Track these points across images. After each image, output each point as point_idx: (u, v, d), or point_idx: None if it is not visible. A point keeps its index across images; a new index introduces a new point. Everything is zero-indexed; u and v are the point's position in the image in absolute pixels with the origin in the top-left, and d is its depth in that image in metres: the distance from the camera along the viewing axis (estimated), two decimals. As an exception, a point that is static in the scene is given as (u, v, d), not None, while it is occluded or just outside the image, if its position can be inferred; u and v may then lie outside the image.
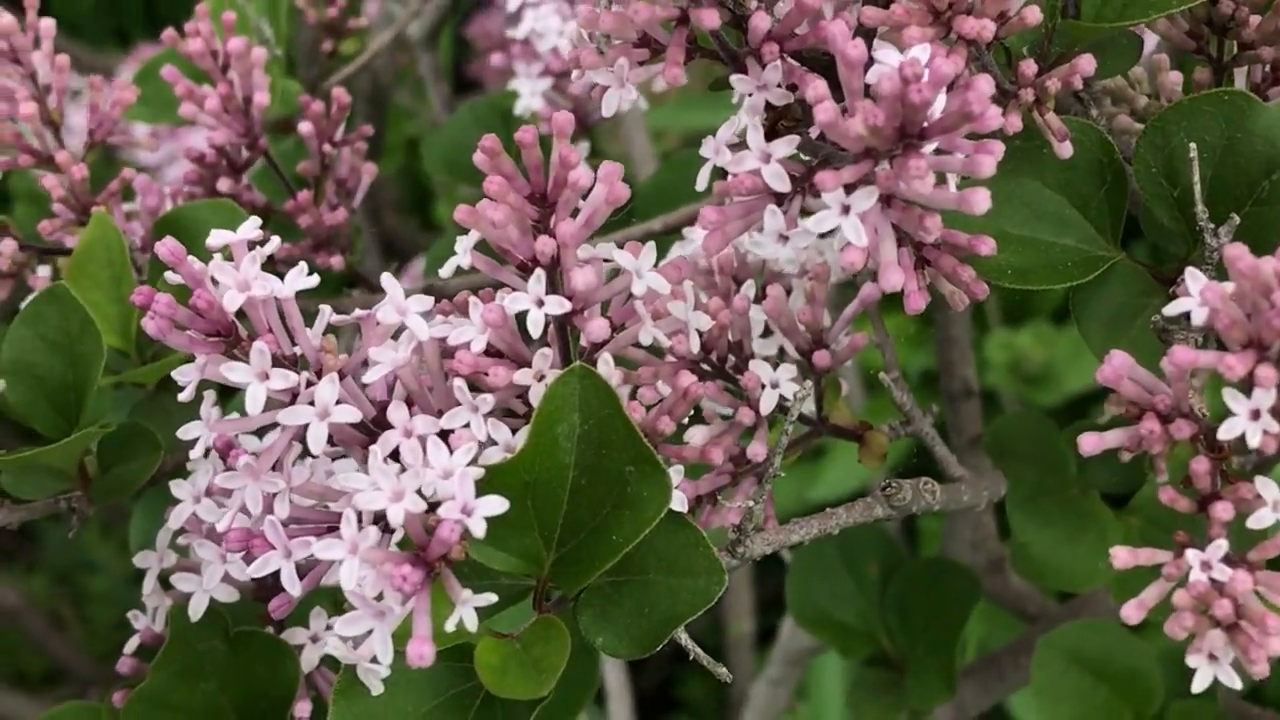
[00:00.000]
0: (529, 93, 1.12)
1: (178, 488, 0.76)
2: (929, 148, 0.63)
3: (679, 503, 0.70)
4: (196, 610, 0.77)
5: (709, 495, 0.81)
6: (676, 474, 0.71)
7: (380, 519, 0.64)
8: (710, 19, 0.64)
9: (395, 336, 0.70)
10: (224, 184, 0.95)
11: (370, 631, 0.64)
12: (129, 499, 0.87)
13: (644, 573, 0.70)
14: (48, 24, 0.93)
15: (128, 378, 0.86)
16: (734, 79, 0.67)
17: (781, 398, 0.78)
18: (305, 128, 0.96)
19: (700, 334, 0.75)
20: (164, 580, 0.82)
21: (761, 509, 0.75)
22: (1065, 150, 0.71)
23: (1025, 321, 2.05)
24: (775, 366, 0.79)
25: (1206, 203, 0.70)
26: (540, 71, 1.13)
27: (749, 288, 0.81)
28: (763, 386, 0.78)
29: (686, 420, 0.76)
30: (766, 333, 0.82)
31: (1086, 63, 0.69)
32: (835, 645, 1.09)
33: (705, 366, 0.79)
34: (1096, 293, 0.73)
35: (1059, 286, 0.72)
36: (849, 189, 0.63)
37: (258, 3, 1.08)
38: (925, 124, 0.61)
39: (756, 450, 0.79)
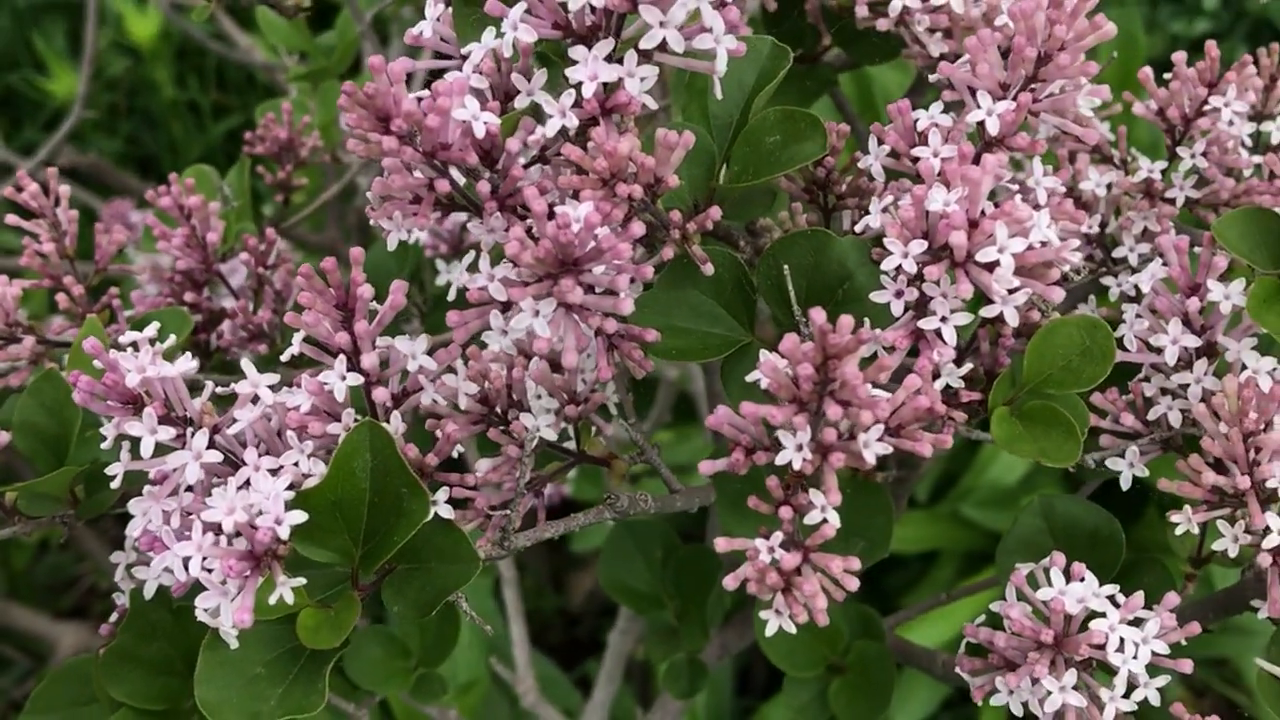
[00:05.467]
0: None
1: (133, 505, 0.78)
2: (599, 269, 0.66)
3: (447, 512, 0.72)
4: (148, 592, 0.78)
5: (497, 506, 0.83)
6: (445, 492, 0.73)
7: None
8: (443, 187, 0.67)
9: (255, 401, 0.72)
10: (189, 296, 0.97)
11: (219, 606, 0.66)
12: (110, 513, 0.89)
13: (427, 561, 0.71)
14: (65, 189, 0.95)
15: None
16: (469, 224, 0.70)
17: (542, 439, 0.80)
18: (243, 257, 0.98)
19: (471, 396, 0.77)
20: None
21: (518, 517, 0.77)
22: (707, 269, 0.73)
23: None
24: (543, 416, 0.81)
25: (802, 305, 0.72)
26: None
27: (535, 362, 0.83)
28: (526, 430, 0.80)
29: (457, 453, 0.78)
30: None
31: (715, 212, 0.72)
32: (632, 606, 1.11)
33: (493, 417, 0.81)
34: (736, 365, 0.74)
35: (709, 360, 0.74)
36: (538, 298, 0.66)
37: (233, 170, 1.10)
38: (578, 256, 0.64)
39: (524, 475, 0.80)
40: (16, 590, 2.13)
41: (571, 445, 0.85)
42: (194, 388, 0.76)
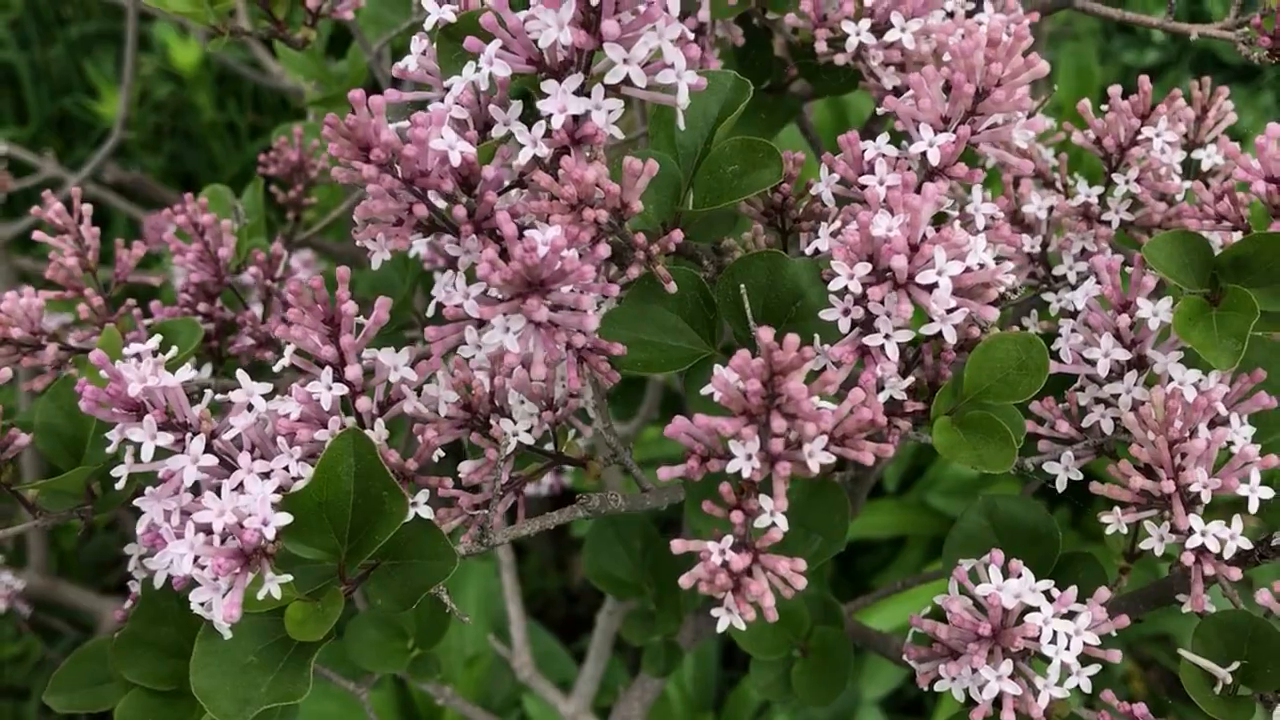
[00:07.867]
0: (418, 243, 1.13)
1: (142, 502, 0.77)
2: (566, 289, 0.64)
3: (427, 513, 0.70)
4: (158, 581, 0.77)
5: (480, 505, 0.81)
6: (424, 494, 0.71)
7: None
8: (420, 211, 0.65)
9: (250, 409, 0.71)
10: (203, 306, 0.96)
11: (211, 600, 0.64)
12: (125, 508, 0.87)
13: (408, 558, 0.70)
14: (87, 207, 0.94)
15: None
16: (445, 245, 0.69)
17: (520, 442, 0.78)
18: (253, 269, 0.97)
19: (452, 404, 0.75)
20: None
21: (496, 515, 0.75)
22: (671, 288, 0.71)
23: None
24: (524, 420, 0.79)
25: (758, 322, 0.70)
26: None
27: (518, 370, 0.81)
28: (504, 434, 0.78)
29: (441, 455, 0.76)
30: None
31: (677, 234, 0.70)
32: (614, 593, 1.09)
33: (475, 422, 0.80)
34: (698, 376, 0.72)
35: (673, 371, 0.73)
36: (508, 315, 0.64)
37: (248, 189, 1.09)
38: (544, 276, 0.62)
39: (501, 477, 0.79)
40: (66, 568, 2.11)
41: (551, 448, 0.83)
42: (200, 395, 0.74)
